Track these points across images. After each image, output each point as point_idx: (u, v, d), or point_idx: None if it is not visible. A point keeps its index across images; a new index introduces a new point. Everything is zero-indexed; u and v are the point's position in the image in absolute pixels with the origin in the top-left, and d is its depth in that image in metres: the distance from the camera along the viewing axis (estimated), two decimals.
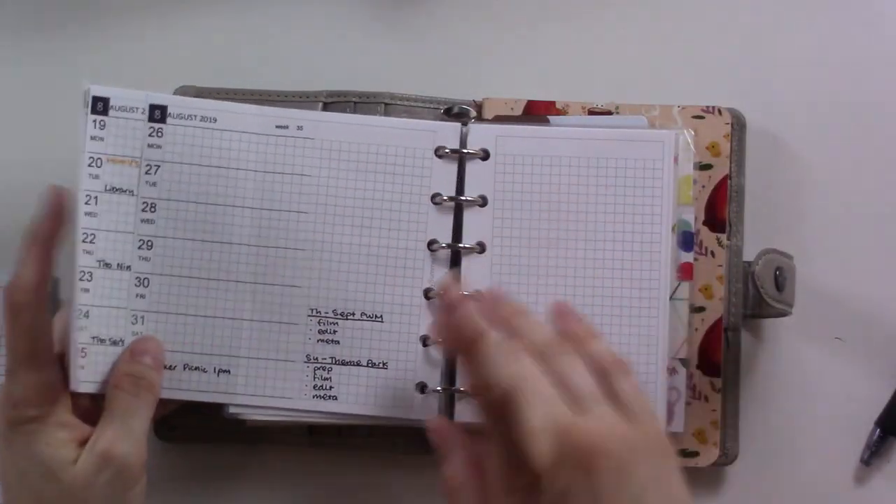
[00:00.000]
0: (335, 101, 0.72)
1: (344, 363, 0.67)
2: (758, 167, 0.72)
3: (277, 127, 0.68)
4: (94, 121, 0.66)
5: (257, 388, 0.67)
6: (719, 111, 0.71)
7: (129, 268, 0.66)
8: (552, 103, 0.71)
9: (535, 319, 0.61)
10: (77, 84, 0.67)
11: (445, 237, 0.68)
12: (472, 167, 0.68)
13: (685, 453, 0.69)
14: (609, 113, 0.71)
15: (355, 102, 0.72)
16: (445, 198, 0.68)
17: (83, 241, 0.66)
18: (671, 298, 0.68)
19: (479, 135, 0.69)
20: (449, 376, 0.67)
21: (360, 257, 0.67)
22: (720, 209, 0.70)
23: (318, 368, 0.67)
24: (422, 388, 0.67)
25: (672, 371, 0.68)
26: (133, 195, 0.66)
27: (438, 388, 0.67)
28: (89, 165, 0.66)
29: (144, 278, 0.66)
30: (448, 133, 0.68)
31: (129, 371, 0.64)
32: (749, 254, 0.70)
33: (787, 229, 0.72)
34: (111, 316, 0.66)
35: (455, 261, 0.68)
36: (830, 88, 0.74)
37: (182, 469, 0.72)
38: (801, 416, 0.72)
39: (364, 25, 0.76)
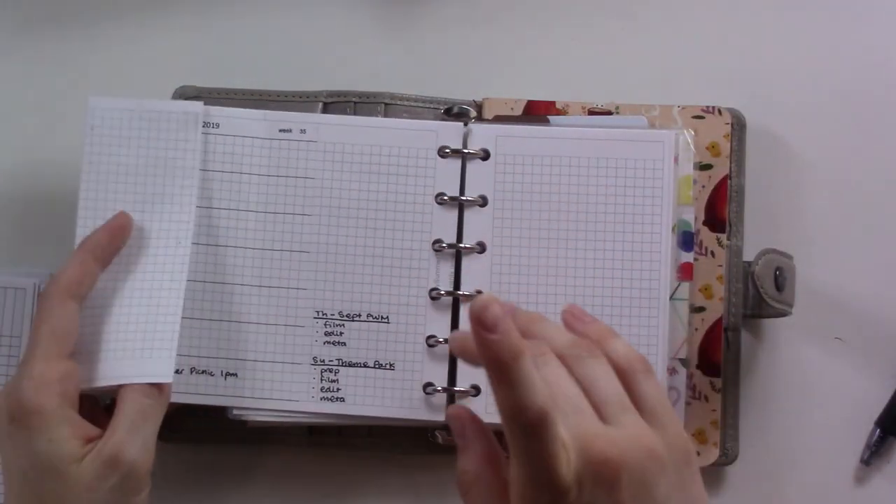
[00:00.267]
0: (335, 102, 0.72)
1: (351, 364, 0.67)
2: (758, 167, 0.72)
3: (281, 131, 0.68)
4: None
5: (264, 390, 0.67)
6: (719, 111, 0.71)
7: None
8: (552, 103, 0.71)
9: (554, 324, 0.60)
10: (80, 85, 0.67)
11: (450, 237, 0.68)
12: (472, 167, 0.68)
13: None
14: (609, 113, 0.71)
15: (355, 102, 0.72)
16: (448, 197, 0.68)
17: None
18: (671, 298, 0.68)
19: (480, 135, 0.69)
20: (455, 376, 0.67)
21: (365, 258, 0.67)
22: (720, 209, 0.70)
23: (325, 370, 0.67)
24: (428, 388, 0.67)
25: (672, 371, 0.68)
26: None
27: (439, 389, 0.67)
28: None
29: None
30: (450, 133, 0.68)
31: (160, 381, 0.63)
32: (749, 254, 0.70)
33: (787, 229, 0.72)
34: None
35: (457, 261, 0.68)
36: (830, 88, 0.74)
37: (182, 469, 0.72)
38: (801, 416, 0.72)
39: (364, 25, 0.76)
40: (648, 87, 0.74)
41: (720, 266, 0.70)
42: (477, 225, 0.68)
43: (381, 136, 0.68)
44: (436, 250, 0.68)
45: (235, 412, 0.67)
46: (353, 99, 0.72)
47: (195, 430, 0.70)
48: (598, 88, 0.73)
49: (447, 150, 0.68)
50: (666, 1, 0.75)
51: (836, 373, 0.72)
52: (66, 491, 0.60)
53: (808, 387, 0.72)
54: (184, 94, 0.72)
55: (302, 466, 0.72)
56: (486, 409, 0.66)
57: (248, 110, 0.68)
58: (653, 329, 0.67)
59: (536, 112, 0.71)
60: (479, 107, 0.72)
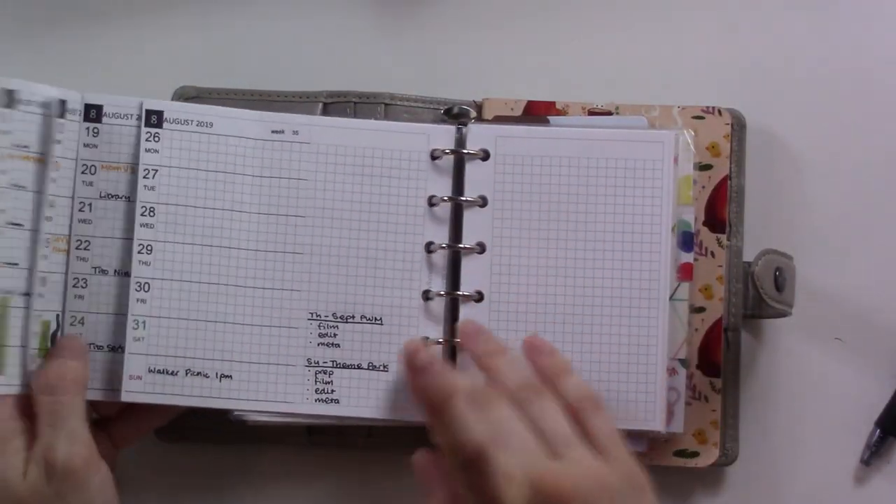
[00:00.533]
0: (335, 102, 0.72)
1: (345, 366, 0.67)
2: (758, 167, 0.72)
3: (273, 132, 0.68)
4: (88, 128, 0.66)
5: (259, 392, 0.67)
6: (719, 111, 0.71)
7: (126, 274, 0.66)
8: (552, 103, 0.71)
9: (511, 358, 0.63)
10: (77, 85, 0.67)
11: (442, 238, 0.68)
12: (471, 167, 0.68)
13: (685, 454, 0.69)
14: (609, 113, 0.71)
15: (355, 103, 0.72)
16: (442, 199, 0.68)
17: (77, 248, 0.66)
18: (671, 299, 0.68)
19: (479, 135, 0.69)
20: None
21: (358, 260, 0.68)
22: (720, 209, 0.70)
23: (320, 372, 0.67)
24: None
25: (672, 371, 0.68)
26: (128, 201, 0.66)
27: None
28: (83, 172, 0.66)
29: (145, 283, 0.66)
30: (442, 135, 0.68)
31: (46, 374, 0.64)
32: (749, 254, 0.70)
33: (787, 229, 0.72)
34: (109, 322, 0.66)
35: (455, 262, 0.68)
36: (830, 88, 0.74)
37: (182, 469, 0.72)
38: (801, 416, 0.72)
39: (364, 25, 0.76)
40: (648, 87, 0.74)
41: (720, 266, 0.70)
42: (476, 225, 0.68)
43: (374, 139, 0.68)
44: (429, 252, 0.68)
45: (237, 413, 0.67)
46: (353, 99, 0.72)
47: (195, 430, 0.70)
48: (598, 88, 0.73)
49: (442, 152, 0.68)
50: (666, 1, 0.75)
51: (836, 373, 0.72)
52: None
53: (808, 387, 0.72)
54: (184, 94, 0.72)
55: (302, 466, 0.72)
56: None
57: (240, 110, 0.68)
58: (652, 329, 0.67)
59: (536, 112, 0.71)
60: (479, 107, 0.72)
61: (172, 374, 0.66)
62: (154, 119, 0.67)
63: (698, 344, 0.69)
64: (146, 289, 0.66)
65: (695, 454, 0.69)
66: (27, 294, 0.65)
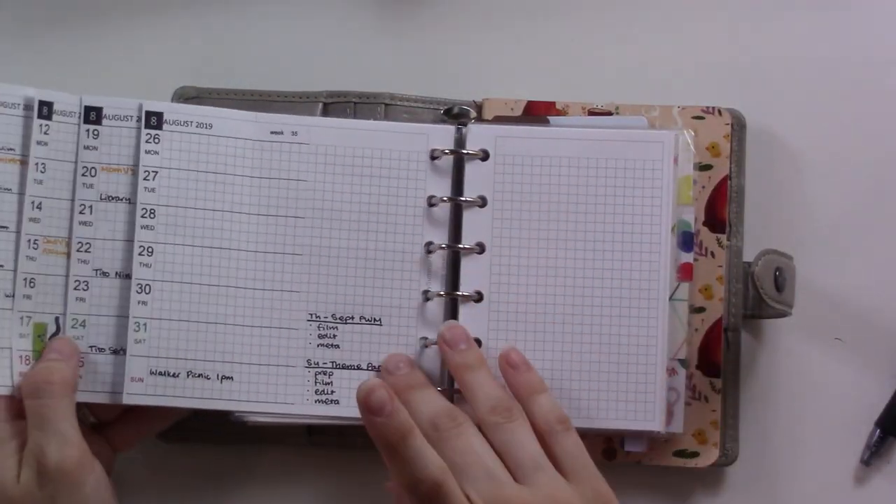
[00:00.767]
0: (335, 102, 0.72)
1: (344, 367, 0.67)
2: (758, 167, 0.72)
3: (272, 133, 0.68)
4: (88, 130, 0.66)
5: (259, 394, 0.67)
6: (719, 111, 0.71)
7: (127, 276, 0.66)
8: (552, 103, 0.71)
9: (485, 376, 0.65)
10: (80, 85, 0.67)
11: (442, 239, 0.68)
12: (471, 168, 0.68)
13: (685, 454, 0.69)
14: (609, 113, 0.71)
15: (355, 103, 0.72)
16: (441, 199, 0.68)
17: (78, 251, 0.66)
18: (671, 299, 0.68)
19: (479, 135, 0.69)
20: (448, 378, 0.67)
21: (357, 261, 0.68)
22: (720, 209, 0.70)
23: (319, 373, 0.67)
24: None
25: (671, 372, 0.68)
26: (129, 203, 0.66)
27: (438, 389, 0.67)
28: (83, 175, 0.66)
29: (146, 285, 0.66)
30: (441, 135, 0.68)
31: (32, 376, 0.64)
32: (749, 254, 0.70)
33: (787, 229, 0.72)
34: (110, 325, 0.66)
35: (454, 262, 0.68)
36: (831, 88, 0.74)
37: (182, 469, 0.72)
38: (801, 416, 0.72)
39: (364, 25, 0.76)
40: (648, 87, 0.74)
41: (720, 266, 0.70)
42: (476, 225, 0.68)
43: (372, 139, 0.68)
44: (428, 252, 0.68)
45: (237, 414, 0.67)
46: (353, 99, 0.72)
47: (195, 430, 0.70)
48: (598, 88, 0.73)
49: (442, 153, 0.68)
50: (666, 1, 0.75)
51: (836, 373, 0.72)
52: None
53: (808, 387, 0.72)
54: (184, 94, 0.72)
55: (302, 466, 0.72)
56: None
57: (239, 111, 0.68)
58: (652, 329, 0.67)
59: (536, 112, 0.71)
60: (479, 107, 0.72)
61: (174, 375, 0.66)
62: (154, 120, 0.67)
63: (698, 344, 0.69)
64: (147, 291, 0.66)
65: (695, 454, 0.69)
66: (12, 296, 0.65)
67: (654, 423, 0.67)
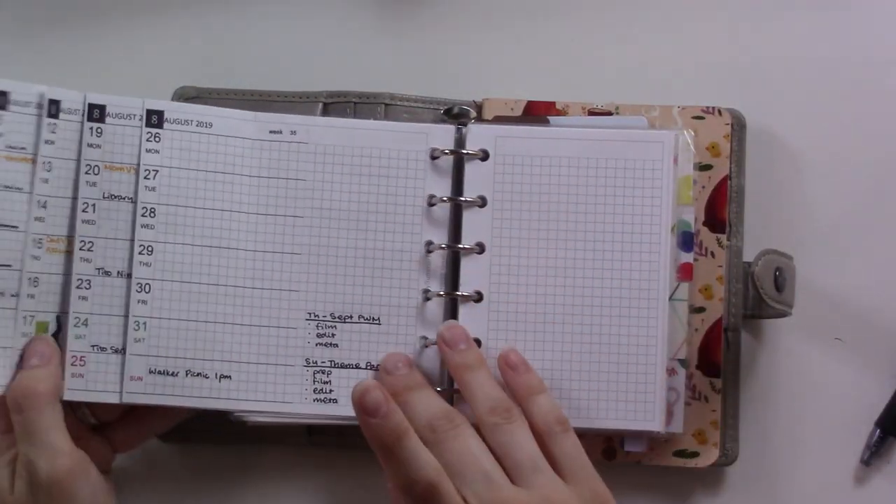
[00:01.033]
0: (335, 102, 0.72)
1: (343, 366, 0.67)
2: (758, 167, 0.72)
3: (271, 132, 0.68)
4: (91, 128, 0.66)
5: (258, 392, 0.67)
6: (719, 111, 0.71)
7: (129, 275, 0.66)
8: (552, 103, 0.71)
9: (485, 376, 0.65)
10: (80, 85, 0.67)
11: (441, 239, 0.68)
12: (471, 167, 0.68)
13: (685, 454, 0.69)
14: (609, 113, 0.71)
15: (355, 103, 0.72)
16: (441, 199, 0.68)
17: (80, 249, 0.66)
18: (671, 299, 0.68)
19: (479, 135, 0.69)
20: (448, 378, 0.67)
21: (356, 260, 0.68)
22: (720, 210, 0.70)
23: (318, 372, 0.67)
24: None
25: (671, 372, 0.68)
26: (132, 202, 0.66)
27: (438, 390, 0.67)
28: (86, 173, 0.66)
29: (146, 284, 0.66)
30: (441, 135, 0.68)
31: (14, 390, 0.63)
32: (749, 254, 0.70)
33: (787, 229, 0.72)
34: (112, 324, 0.66)
35: (454, 261, 0.68)
36: (831, 88, 0.74)
37: (182, 469, 0.72)
38: (801, 416, 0.72)
39: (364, 25, 0.76)
40: (648, 87, 0.74)
41: (720, 266, 0.70)
42: (476, 225, 0.68)
43: (372, 138, 0.68)
44: (427, 252, 0.68)
45: (237, 414, 0.67)
46: (353, 99, 0.72)
47: (195, 430, 0.70)
48: (598, 88, 0.73)
49: (442, 152, 0.68)
50: (666, 1, 0.75)
51: (836, 373, 0.72)
52: None
53: (808, 387, 0.72)
54: (184, 94, 0.72)
55: (302, 466, 0.72)
56: None
57: (238, 111, 0.68)
58: (652, 329, 0.67)
59: (536, 112, 0.71)
60: (479, 107, 0.72)
61: (173, 374, 0.66)
62: (155, 119, 0.67)
63: (698, 344, 0.69)
64: (147, 290, 0.66)
65: (695, 454, 0.69)
66: (17, 295, 0.65)
67: (653, 423, 0.67)
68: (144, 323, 0.66)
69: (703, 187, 0.70)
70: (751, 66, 0.74)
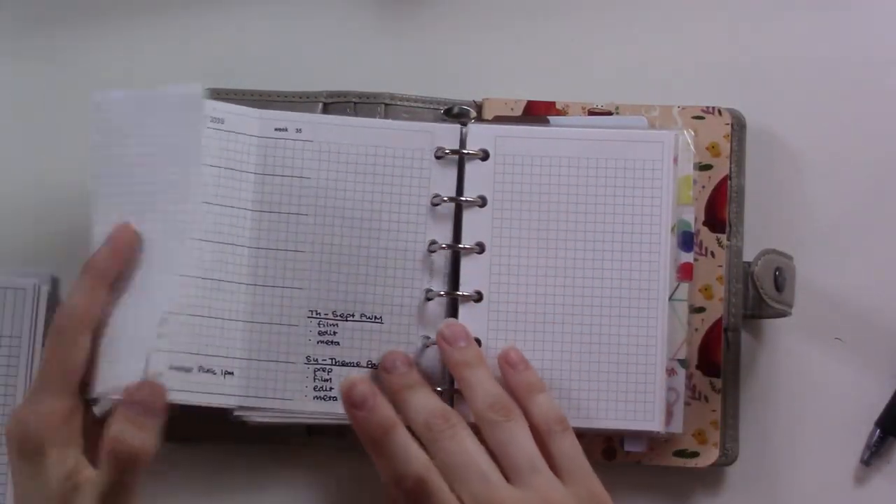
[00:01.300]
0: (335, 102, 0.72)
1: (344, 364, 0.67)
2: (758, 167, 0.72)
3: (276, 129, 0.68)
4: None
5: (259, 389, 0.67)
6: (719, 111, 0.71)
7: None
8: (552, 103, 0.71)
9: (484, 374, 0.64)
10: (80, 84, 0.67)
11: (445, 238, 0.68)
12: (471, 167, 0.68)
13: (685, 454, 0.69)
14: (609, 113, 0.71)
15: (355, 103, 0.72)
16: (445, 199, 0.68)
17: None
18: (671, 299, 0.68)
19: (479, 135, 0.69)
20: (448, 378, 0.67)
21: (359, 259, 0.68)
22: (720, 209, 0.70)
23: (319, 370, 0.67)
24: None
25: (671, 372, 0.68)
26: None
27: (438, 389, 0.67)
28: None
29: None
30: (446, 134, 0.68)
31: (123, 442, 0.58)
32: (749, 254, 0.70)
33: (787, 229, 0.72)
34: None
35: (455, 261, 0.68)
36: (831, 88, 0.74)
37: (182, 469, 0.72)
38: (801, 416, 0.72)
39: (364, 25, 0.76)
40: (648, 87, 0.73)
41: (720, 266, 0.70)
42: (476, 225, 0.68)
43: (377, 137, 0.68)
44: (430, 251, 0.68)
45: (237, 413, 0.67)
46: (353, 99, 0.72)
47: (195, 429, 0.70)
48: (598, 88, 0.73)
49: (445, 152, 0.68)
50: (666, 1, 0.75)
51: (836, 373, 0.72)
52: None
53: (808, 387, 0.72)
54: None
55: (302, 466, 0.72)
56: None
57: (244, 107, 0.68)
58: (651, 329, 0.67)
59: (536, 112, 0.71)
60: (479, 107, 0.72)
61: (187, 369, 0.66)
62: None
63: (698, 344, 0.69)
64: None
65: (695, 454, 0.69)
66: None
67: (653, 423, 0.67)
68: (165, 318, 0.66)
69: (703, 187, 0.70)
70: (751, 66, 0.74)
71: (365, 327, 0.67)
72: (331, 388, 0.67)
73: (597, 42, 0.75)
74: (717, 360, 0.69)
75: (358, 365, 0.67)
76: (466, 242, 0.68)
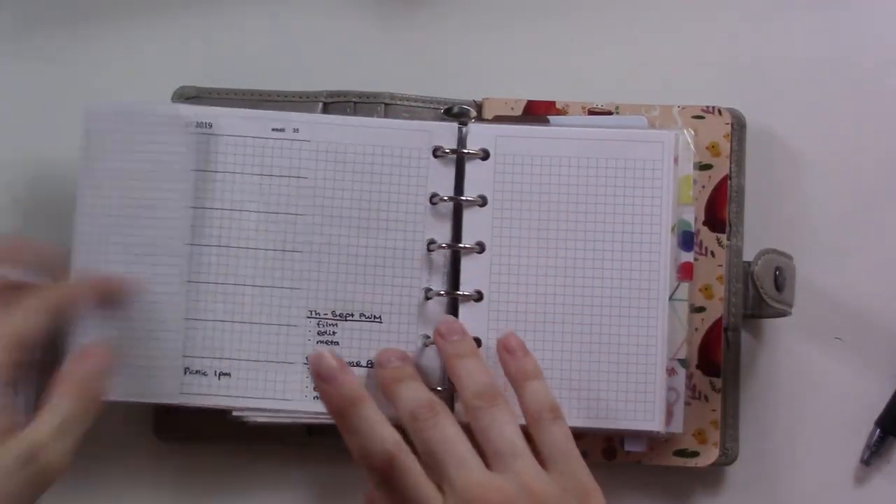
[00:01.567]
0: (335, 102, 0.72)
1: None
2: (758, 167, 0.72)
3: (273, 130, 0.68)
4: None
5: (257, 390, 0.67)
6: (719, 111, 0.71)
7: None
8: (552, 103, 0.71)
9: (474, 363, 0.64)
10: (80, 85, 0.67)
11: (444, 237, 0.68)
12: (471, 167, 0.68)
13: (685, 453, 0.69)
14: (609, 113, 0.71)
15: (355, 102, 0.72)
16: (443, 198, 0.68)
17: None
18: (671, 299, 0.68)
19: (479, 135, 0.69)
20: (448, 378, 0.67)
21: (358, 258, 0.68)
22: (720, 209, 0.70)
23: None
24: None
25: (671, 372, 0.68)
26: None
27: (438, 389, 0.67)
28: None
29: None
30: (444, 133, 0.68)
31: (80, 374, 0.61)
32: (749, 254, 0.70)
33: (787, 229, 0.72)
34: None
35: (454, 260, 0.68)
36: (831, 88, 0.74)
37: (182, 469, 0.72)
38: (801, 416, 0.72)
39: (364, 25, 0.76)
40: (648, 87, 0.73)
41: (720, 266, 0.70)
42: (476, 225, 0.68)
43: (375, 136, 0.68)
44: (430, 250, 0.68)
45: (236, 413, 0.67)
46: (353, 99, 0.72)
47: (195, 430, 0.70)
48: (598, 88, 0.73)
49: (444, 151, 0.68)
50: (666, 1, 0.75)
51: (836, 373, 0.72)
52: None
53: (808, 387, 0.72)
54: (183, 94, 0.72)
55: (302, 466, 0.72)
56: None
57: (239, 109, 0.68)
58: (652, 329, 0.67)
59: (536, 112, 0.71)
60: (479, 107, 0.72)
61: (185, 372, 0.66)
62: None
63: (698, 344, 0.69)
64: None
65: (695, 454, 0.69)
66: None
67: (653, 422, 0.67)
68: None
69: (703, 187, 0.70)
70: (751, 66, 0.74)
71: (364, 327, 0.67)
72: None
73: (597, 42, 0.75)
74: (717, 360, 0.69)
75: (357, 364, 0.67)
76: (467, 242, 0.68)
